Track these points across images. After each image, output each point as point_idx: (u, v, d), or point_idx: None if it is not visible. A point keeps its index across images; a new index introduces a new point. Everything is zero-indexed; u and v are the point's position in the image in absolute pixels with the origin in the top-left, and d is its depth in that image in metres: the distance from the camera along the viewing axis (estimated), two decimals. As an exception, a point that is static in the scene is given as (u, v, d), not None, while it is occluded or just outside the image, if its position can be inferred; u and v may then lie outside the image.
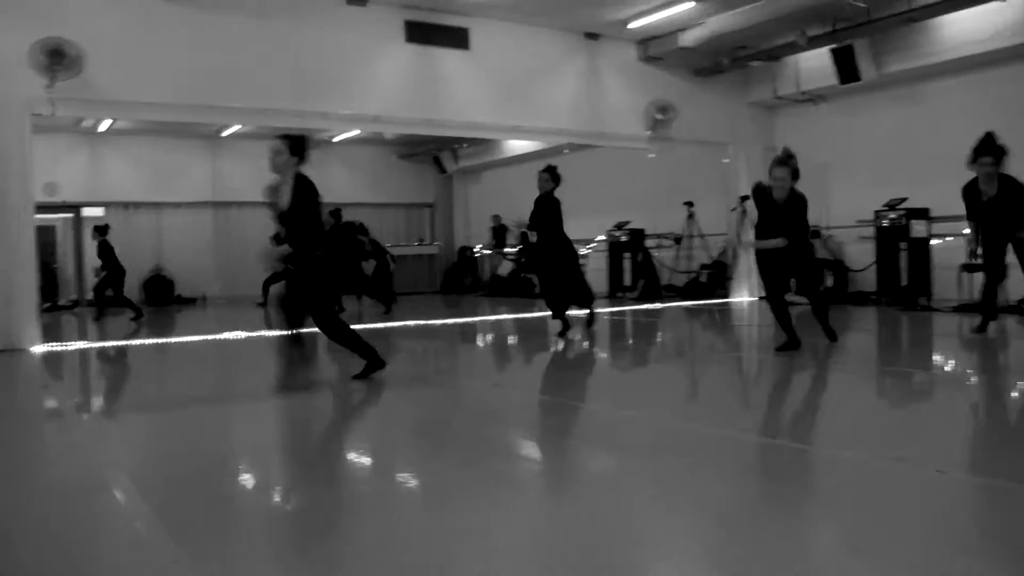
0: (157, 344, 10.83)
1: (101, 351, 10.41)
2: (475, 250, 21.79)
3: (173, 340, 11.24)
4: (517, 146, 19.02)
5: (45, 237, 19.24)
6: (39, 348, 9.94)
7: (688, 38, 13.27)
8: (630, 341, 10.37)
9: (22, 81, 9.57)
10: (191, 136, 19.28)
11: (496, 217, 20.59)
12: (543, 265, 9.77)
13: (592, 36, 13.70)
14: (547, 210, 9.58)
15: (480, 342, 10.66)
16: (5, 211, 9.79)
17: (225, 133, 19.09)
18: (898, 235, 12.46)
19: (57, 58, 9.57)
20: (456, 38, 12.59)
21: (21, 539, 3.20)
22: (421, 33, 12.31)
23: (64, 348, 10.51)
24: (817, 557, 2.80)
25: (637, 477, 3.86)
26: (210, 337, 11.12)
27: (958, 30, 11.92)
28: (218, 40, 10.96)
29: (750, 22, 12.32)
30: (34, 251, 10.32)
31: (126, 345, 10.73)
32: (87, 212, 19.02)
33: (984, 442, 4.44)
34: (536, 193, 9.82)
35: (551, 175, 9.70)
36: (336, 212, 14.82)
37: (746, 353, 9.03)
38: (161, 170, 19.31)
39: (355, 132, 18.72)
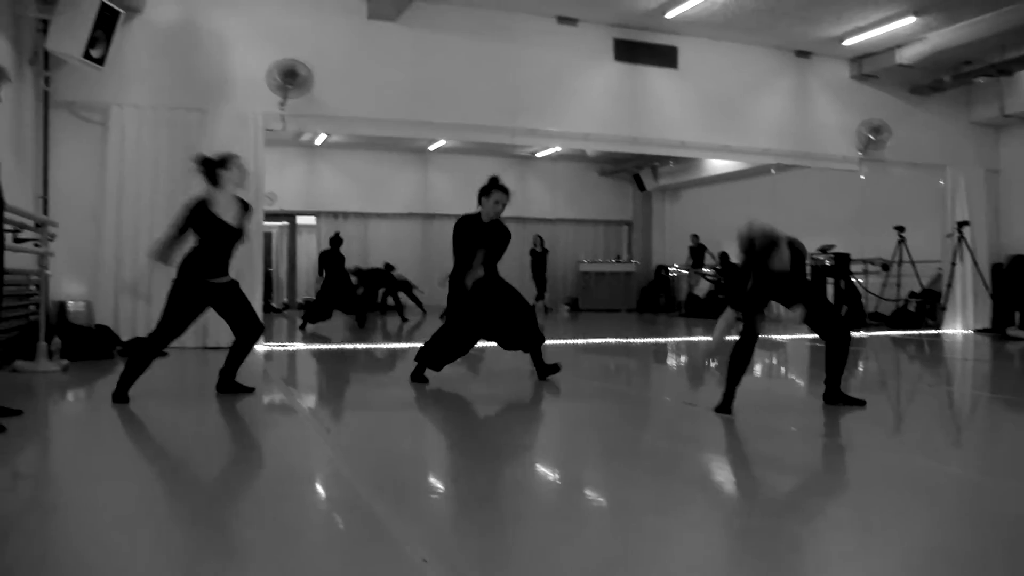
0: (369, 348, 11.30)
1: (316, 352, 10.96)
2: (672, 269, 21.58)
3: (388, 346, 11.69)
4: (718, 165, 18.75)
5: (264, 243, 20.54)
6: (260, 347, 10.58)
7: (906, 55, 12.73)
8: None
9: (260, 99, 10.31)
10: (401, 150, 20.10)
11: (695, 236, 20.34)
12: None
13: (803, 54, 13.38)
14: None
15: (673, 361, 10.55)
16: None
17: (433, 147, 19.76)
18: None
19: (290, 78, 10.30)
20: (664, 56, 12.58)
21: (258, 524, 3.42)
22: (630, 51, 12.39)
23: (283, 348, 11.13)
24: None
25: (829, 503, 3.73)
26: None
27: None
28: (433, 58, 11.43)
29: (977, 36, 11.69)
30: (261, 256, 11.04)
31: (339, 348, 11.26)
32: (301, 220, 20.17)
33: None
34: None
35: None
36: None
37: (957, 388, 8.53)
38: (371, 182, 20.21)
39: (557, 148, 18.98)
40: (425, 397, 6.70)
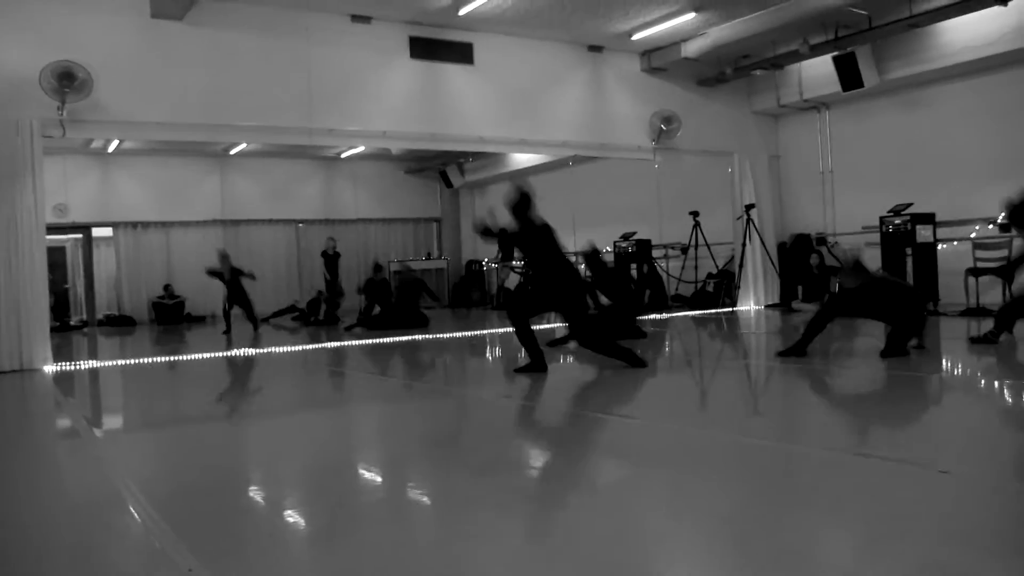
0: (169, 361, 10.89)
1: (111, 370, 10.46)
2: (483, 263, 21.85)
3: (183, 358, 11.30)
4: (522, 159, 19.10)
5: (55, 258, 19.40)
6: (50, 368, 10.02)
7: (691, 49, 13.36)
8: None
9: (34, 104, 9.72)
10: (200, 155, 19.41)
11: (503, 231, 20.62)
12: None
13: (596, 48, 13.81)
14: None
15: (488, 355, 10.71)
16: (16, 233, 9.89)
17: (234, 151, 19.22)
18: (904, 240, 12.46)
19: (67, 81, 9.72)
20: (460, 53, 12.71)
21: (42, 554, 3.26)
22: (425, 49, 12.44)
23: (75, 368, 10.57)
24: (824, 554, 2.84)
25: (646, 484, 3.91)
26: (219, 354, 11.17)
27: (959, 35, 11.97)
28: (225, 59, 11.12)
29: (751, 31, 12.40)
30: (45, 272, 10.41)
31: (136, 363, 10.80)
32: (97, 232, 19.19)
33: (987, 442, 4.47)
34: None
35: None
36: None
37: (753, 360, 9.05)
38: (170, 189, 19.42)
39: (361, 148, 18.85)
40: (242, 404, 6.54)
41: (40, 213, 10.19)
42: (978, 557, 2.66)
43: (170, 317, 18.40)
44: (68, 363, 10.65)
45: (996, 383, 6.44)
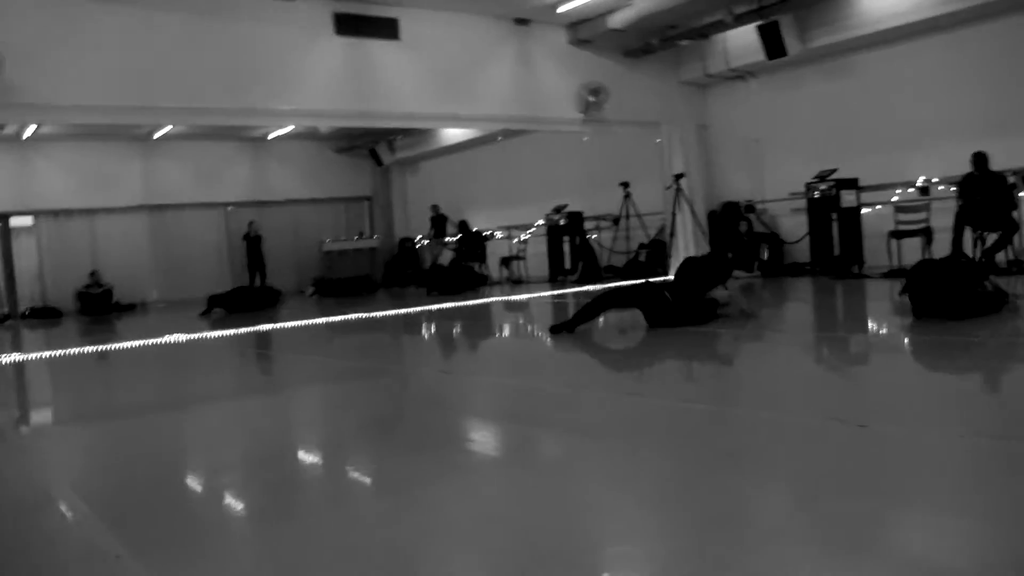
0: (98, 352, 10.66)
1: (37, 363, 10.20)
2: (415, 241, 21.76)
3: (114, 347, 11.06)
4: (453, 135, 19.02)
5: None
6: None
7: (617, 20, 13.38)
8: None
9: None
10: (122, 138, 18.92)
11: (435, 207, 20.60)
12: None
13: (522, 22, 13.75)
14: None
15: (425, 332, 10.68)
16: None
17: (158, 134, 18.79)
18: (829, 206, 12.72)
19: (-27, 63, 9.36)
20: (386, 29, 12.55)
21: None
22: (350, 25, 12.26)
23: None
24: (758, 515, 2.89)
25: (583, 453, 3.94)
26: (150, 342, 10.96)
27: (879, 3, 12.21)
28: (146, 39, 10.79)
29: (676, 2, 12.48)
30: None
31: (63, 355, 10.54)
32: (15, 221, 18.64)
33: (909, 397, 4.59)
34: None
35: None
36: None
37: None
38: (93, 175, 18.92)
39: (290, 128, 18.59)
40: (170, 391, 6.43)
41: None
42: (897, 509, 2.74)
43: (98, 307, 17.89)
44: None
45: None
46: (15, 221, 18.63)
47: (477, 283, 17.21)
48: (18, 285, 18.60)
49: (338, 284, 18.31)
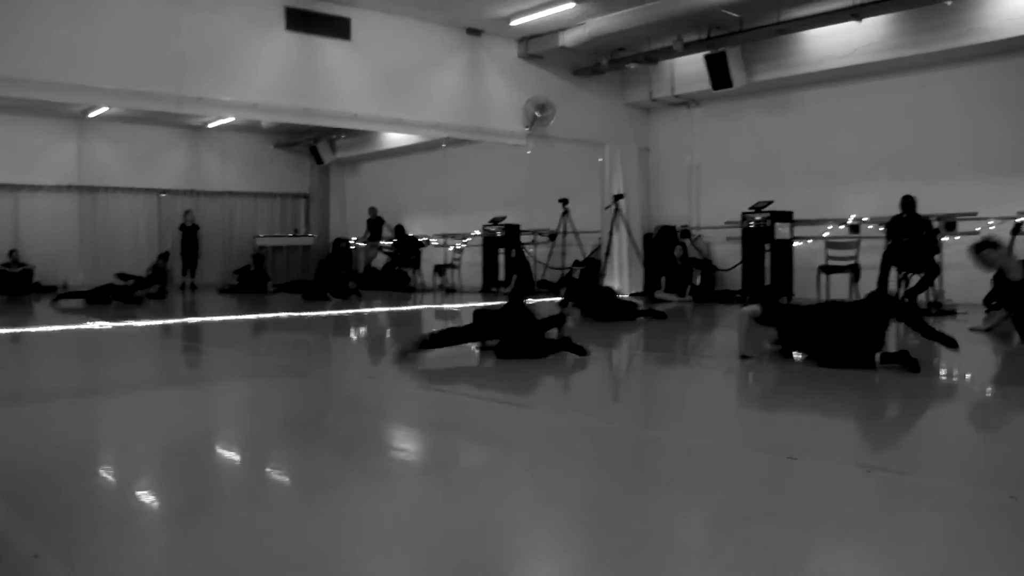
0: (11, 334, 10.37)
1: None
2: (350, 242, 21.60)
3: (25, 330, 10.77)
4: (395, 139, 18.94)
5: None
6: None
7: (568, 38, 13.49)
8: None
9: None
10: (55, 115, 18.39)
11: (372, 209, 20.47)
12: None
13: (474, 32, 13.79)
14: None
15: (354, 335, 10.61)
16: None
17: (93, 114, 18.37)
18: (763, 237, 12.97)
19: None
20: (337, 28, 12.46)
21: None
22: (301, 21, 12.15)
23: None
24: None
25: (508, 466, 3.96)
26: (68, 328, 10.69)
27: (821, 44, 12.53)
28: (89, 17, 10.52)
29: (628, 25, 12.62)
30: None
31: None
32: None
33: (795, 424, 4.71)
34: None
35: None
36: None
37: (617, 350, 9.25)
38: (20, 150, 18.39)
39: (230, 119, 18.33)
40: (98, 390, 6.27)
41: None
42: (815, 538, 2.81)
43: (15, 287, 17.32)
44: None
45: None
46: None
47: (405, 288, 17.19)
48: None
49: (259, 280, 18.03)
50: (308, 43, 12.26)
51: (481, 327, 7.40)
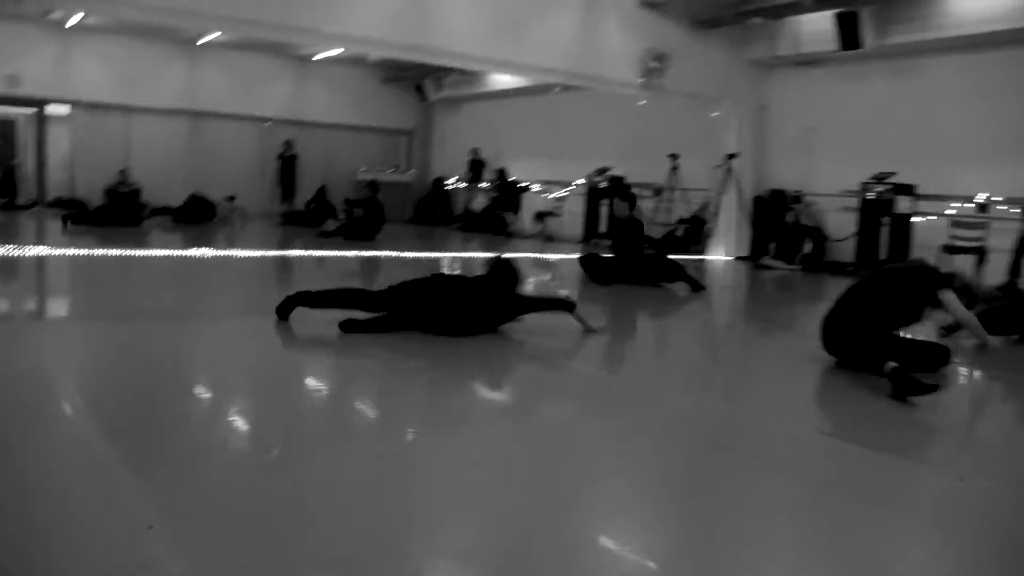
0: (122, 255, 10.50)
1: (57, 259, 10.06)
2: (450, 182, 21.48)
3: (142, 253, 10.90)
4: (504, 80, 18.62)
5: (4, 131, 18.62)
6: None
7: (692, -13, 12.94)
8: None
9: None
10: (167, 40, 18.53)
11: (474, 150, 20.27)
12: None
13: (593, -25, 13.32)
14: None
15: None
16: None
17: (202, 41, 18.44)
18: (882, 209, 12.39)
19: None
20: (453, -36, 12.13)
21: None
22: (417, -44, 11.84)
23: (18, 253, 10.12)
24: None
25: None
26: (175, 253, 10.80)
27: (963, 7, 11.73)
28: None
29: (756, -23, 12.03)
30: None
31: (85, 255, 10.39)
32: (52, 109, 18.40)
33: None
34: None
35: None
36: None
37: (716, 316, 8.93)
38: (134, 72, 18.62)
39: (338, 51, 18.23)
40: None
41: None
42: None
43: (124, 206, 17.55)
44: (11, 247, 10.19)
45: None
46: (51, 109, 18.39)
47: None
48: (48, 173, 18.43)
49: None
50: (423, -22, 11.96)
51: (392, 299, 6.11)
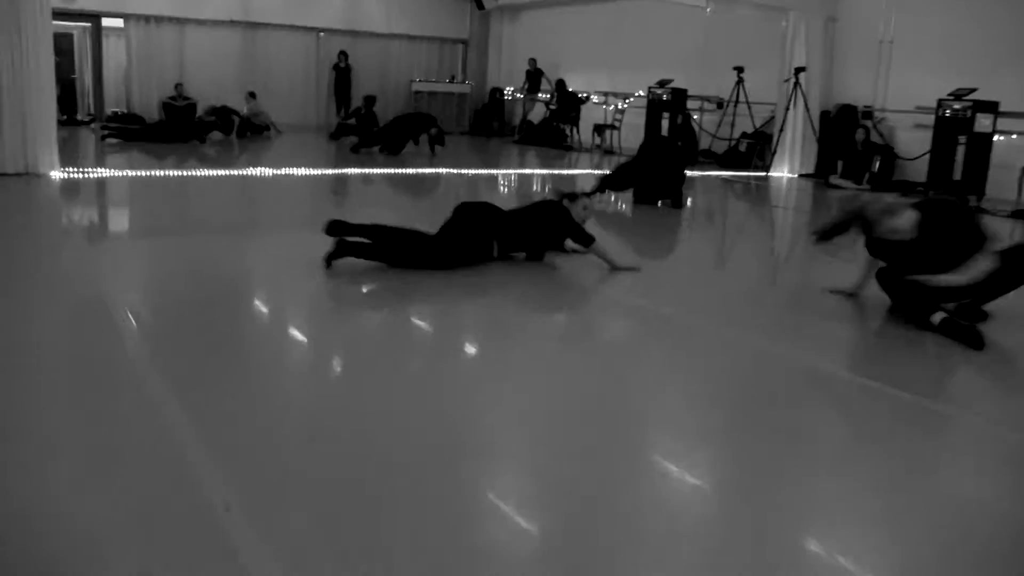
0: (183, 175, 10.45)
1: (117, 179, 10.05)
2: (506, 93, 21.07)
3: (197, 173, 10.85)
4: (563, -13, 18.03)
5: (62, 45, 18.50)
6: (57, 174, 9.58)
7: None
8: (659, 204, 9.98)
9: None
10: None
11: (532, 60, 19.79)
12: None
13: None
14: None
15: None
16: (18, 16, 9.17)
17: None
18: (960, 128, 11.83)
19: None
20: None
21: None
22: None
23: (85, 176, 10.12)
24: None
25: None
26: (225, 172, 10.73)
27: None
28: None
29: None
30: (52, 62, 9.73)
31: (145, 175, 10.36)
32: (107, 23, 18.25)
33: None
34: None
35: None
36: None
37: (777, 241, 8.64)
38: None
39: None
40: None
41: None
42: None
43: (180, 119, 17.47)
44: (74, 168, 10.18)
45: None
46: (106, 22, 18.25)
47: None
48: (105, 88, 18.38)
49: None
50: None
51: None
